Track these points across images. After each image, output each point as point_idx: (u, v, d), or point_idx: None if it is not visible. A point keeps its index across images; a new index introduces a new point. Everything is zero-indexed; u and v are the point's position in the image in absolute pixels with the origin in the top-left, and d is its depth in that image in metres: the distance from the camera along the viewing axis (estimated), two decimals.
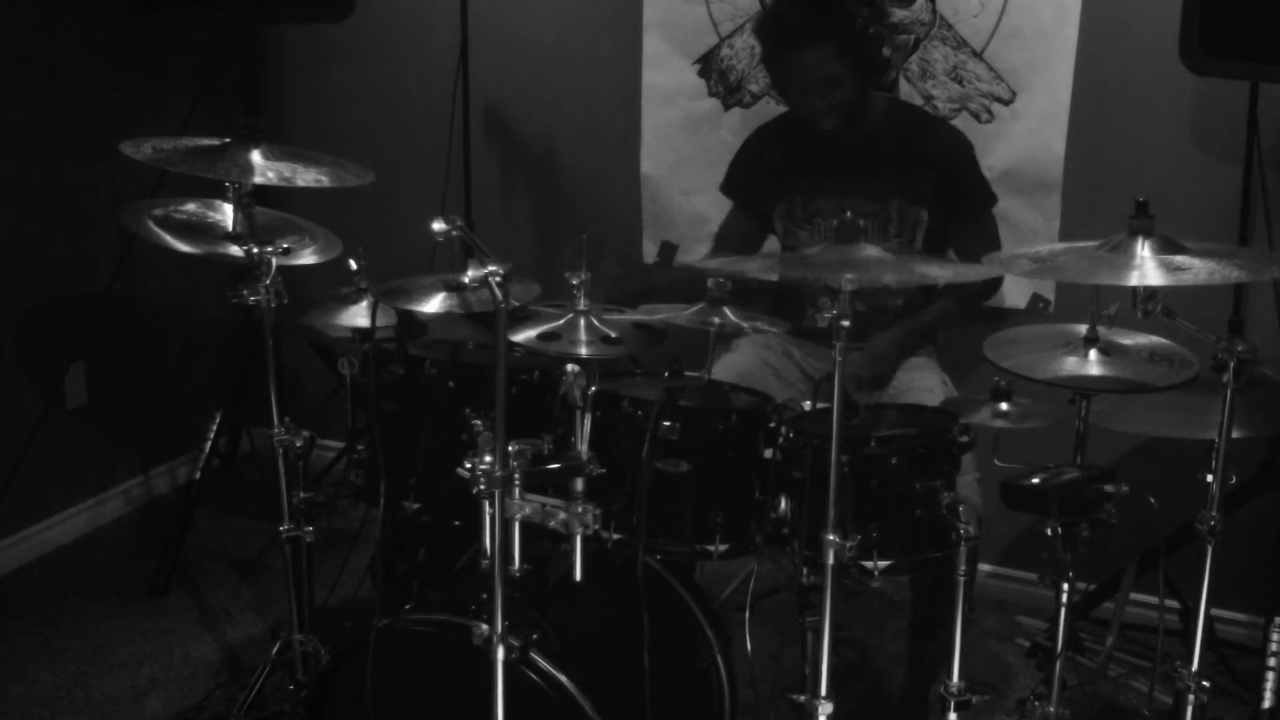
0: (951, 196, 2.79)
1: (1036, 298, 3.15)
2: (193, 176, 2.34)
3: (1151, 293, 1.90)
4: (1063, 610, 2.10)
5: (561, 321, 2.04)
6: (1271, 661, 2.55)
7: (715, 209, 3.13)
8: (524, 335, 2.01)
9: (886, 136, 2.80)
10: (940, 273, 2.01)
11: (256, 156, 2.36)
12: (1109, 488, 2.02)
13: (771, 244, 3.02)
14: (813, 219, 2.83)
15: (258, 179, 2.33)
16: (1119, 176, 3.00)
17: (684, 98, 3.36)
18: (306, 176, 2.38)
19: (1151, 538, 2.43)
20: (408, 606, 2.18)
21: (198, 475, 3.48)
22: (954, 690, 2.06)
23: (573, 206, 3.57)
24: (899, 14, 3.10)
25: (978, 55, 3.07)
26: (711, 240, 3.26)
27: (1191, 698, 2.02)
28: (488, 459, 1.77)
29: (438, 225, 1.75)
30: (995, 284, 2.99)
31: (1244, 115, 2.74)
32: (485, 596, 1.82)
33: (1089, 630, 2.83)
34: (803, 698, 1.96)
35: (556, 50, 3.50)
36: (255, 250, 2.37)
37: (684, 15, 3.32)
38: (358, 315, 2.47)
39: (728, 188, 3.04)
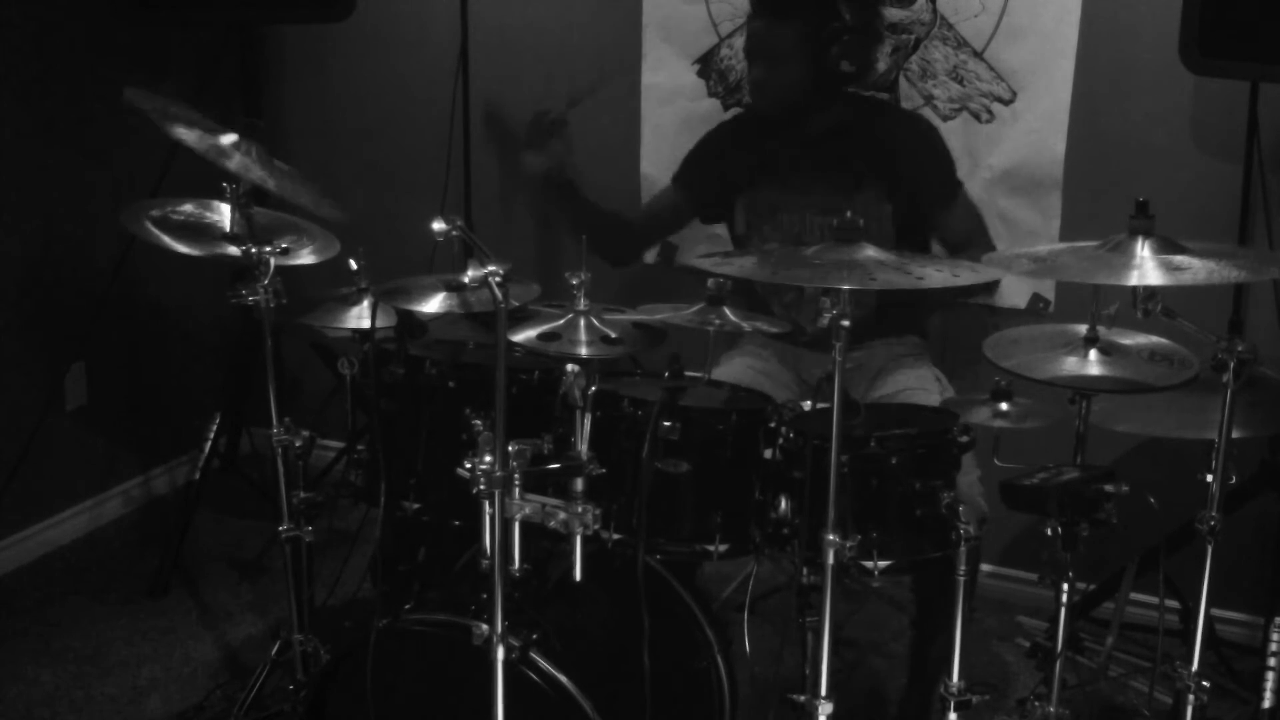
0: (920, 185, 2.79)
1: (1036, 298, 3.15)
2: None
3: (1151, 293, 1.90)
4: (1063, 610, 2.10)
5: (561, 321, 2.04)
6: (1271, 661, 2.54)
7: None
8: (524, 335, 2.01)
9: (849, 131, 2.80)
10: (940, 276, 1.99)
11: (238, 157, 2.37)
12: (1109, 488, 2.02)
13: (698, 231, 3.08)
14: (776, 214, 2.83)
15: (232, 166, 2.33)
16: (1119, 176, 3.00)
17: (683, 98, 3.36)
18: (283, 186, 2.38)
19: (1151, 538, 2.42)
20: (408, 606, 2.18)
21: (198, 475, 3.48)
22: (954, 690, 2.05)
23: None
24: (899, 14, 3.10)
25: (978, 55, 3.07)
26: (710, 240, 3.27)
27: (1191, 698, 2.02)
28: (488, 459, 1.77)
29: (438, 225, 1.75)
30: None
31: (1244, 115, 2.74)
32: (485, 596, 1.82)
33: (1089, 630, 2.83)
34: (803, 698, 1.96)
35: (556, 51, 3.50)
36: (254, 250, 2.37)
37: (684, 15, 3.32)
38: (358, 315, 2.47)
39: (682, 179, 3.05)
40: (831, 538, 1.89)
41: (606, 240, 2.92)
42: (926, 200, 2.82)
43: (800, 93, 2.73)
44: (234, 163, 2.34)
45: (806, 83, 2.72)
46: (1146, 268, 1.88)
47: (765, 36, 2.75)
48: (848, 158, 2.78)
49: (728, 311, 2.09)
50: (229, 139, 2.38)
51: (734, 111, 3.29)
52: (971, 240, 2.84)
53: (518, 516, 1.79)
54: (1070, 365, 2.21)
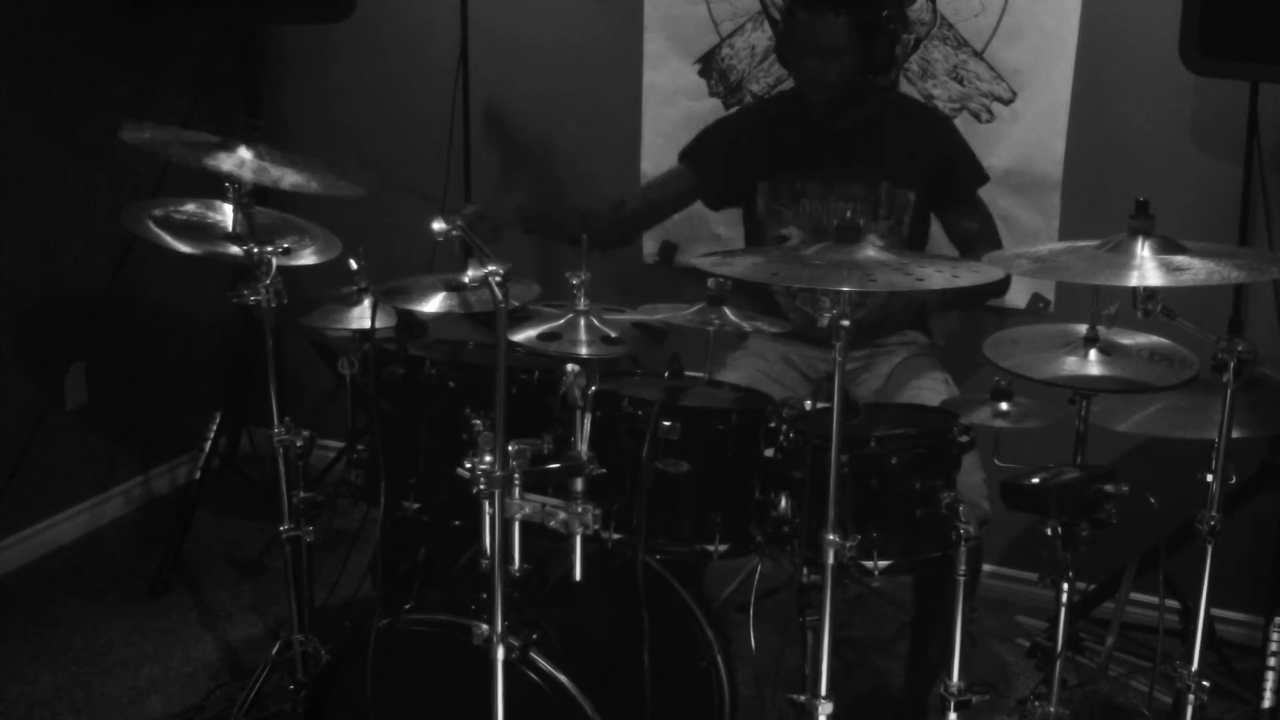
0: (942, 178, 2.78)
1: (1036, 298, 3.13)
2: (192, 177, 2.34)
3: (1151, 293, 1.90)
4: (1063, 610, 2.10)
5: (561, 321, 2.04)
6: (1271, 661, 2.55)
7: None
8: (524, 335, 2.01)
9: (878, 122, 2.79)
10: (941, 279, 1.99)
11: (246, 154, 2.37)
12: (1109, 488, 2.02)
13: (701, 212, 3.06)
14: (799, 199, 2.82)
15: (245, 174, 2.33)
16: (1119, 176, 3.00)
17: (684, 97, 3.36)
18: (295, 179, 2.37)
19: (1151, 538, 2.43)
20: (408, 606, 2.18)
21: (198, 475, 3.48)
22: (954, 690, 2.06)
23: None
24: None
25: (978, 55, 3.07)
26: (713, 240, 3.27)
27: (1191, 698, 2.02)
28: (488, 459, 1.77)
29: (438, 225, 1.75)
30: (1005, 283, 2.93)
31: (1244, 115, 2.74)
32: (485, 596, 1.82)
33: (1089, 630, 2.83)
34: (803, 698, 1.96)
35: (556, 50, 3.50)
36: (255, 250, 2.37)
37: (684, 15, 3.32)
38: (358, 315, 2.47)
39: (692, 156, 2.96)
40: (831, 538, 1.89)
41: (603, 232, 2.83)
42: (947, 194, 2.81)
43: (851, 83, 2.69)
44: (241, 170, 2.34)
45: (857, 74, 2.67)
46: (1146, 268, 1.88)
47: (815, 29, 2.65)
48: (875, 147, 2.76)
49: (728, 311, 2.09)
50: (229, 154, 2.39)
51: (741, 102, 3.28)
52: (985, 237, 2.82)
53: (518, 516, 1.79)
54: (1070, 365, 2.21)
